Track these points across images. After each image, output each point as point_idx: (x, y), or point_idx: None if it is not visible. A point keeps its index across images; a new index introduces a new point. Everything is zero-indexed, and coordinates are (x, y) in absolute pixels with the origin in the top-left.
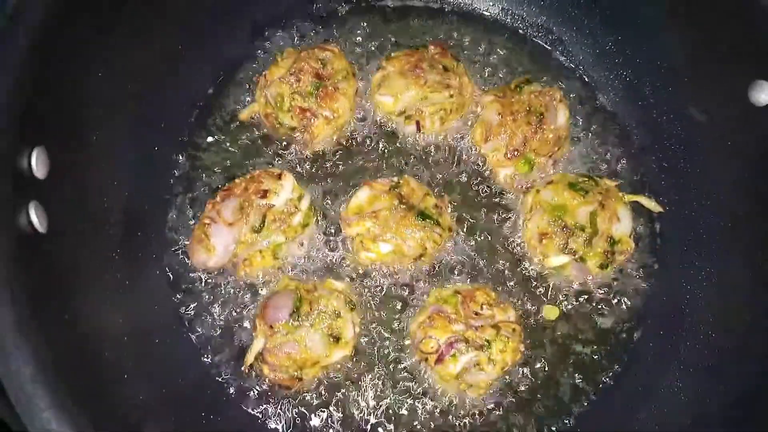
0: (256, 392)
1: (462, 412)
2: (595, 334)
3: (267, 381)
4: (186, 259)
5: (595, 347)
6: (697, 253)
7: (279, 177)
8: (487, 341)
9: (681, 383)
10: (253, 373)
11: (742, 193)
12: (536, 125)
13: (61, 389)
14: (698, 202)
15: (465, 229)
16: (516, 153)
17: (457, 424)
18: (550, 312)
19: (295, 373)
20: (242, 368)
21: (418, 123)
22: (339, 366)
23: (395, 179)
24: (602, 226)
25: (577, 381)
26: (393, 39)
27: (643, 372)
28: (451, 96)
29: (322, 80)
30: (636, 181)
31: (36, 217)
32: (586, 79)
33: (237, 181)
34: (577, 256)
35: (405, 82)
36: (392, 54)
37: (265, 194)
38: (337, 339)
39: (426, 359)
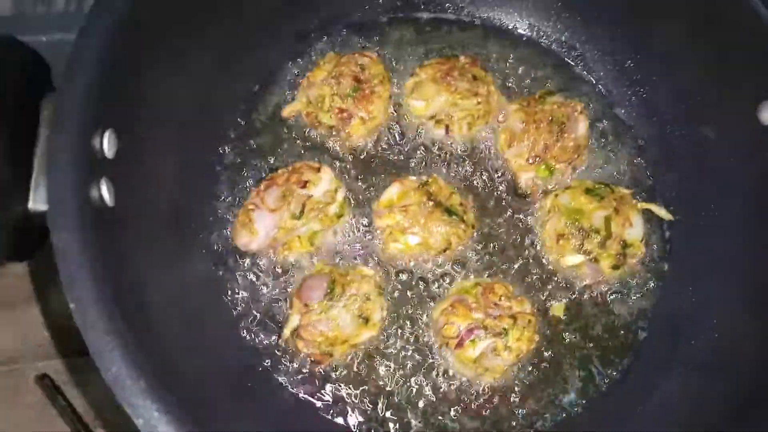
0: (292, 367)
1: (473, 395)
2: (604, 331)
3: (301, 355)
4: (229, 241)
5: (603, 344)
6: (706, 261)
7: (318, 170)
8: (505, 329)
9: (684, 382)
10: (289, 348)
11: (749, 208)
12: (557, 134)
13: (131, 342)
14: (707, 214)
15: (486, 227)
16: (537, 159)
17: (467, 403)
18: (557, 309)
19: (327, 349)
20: (279, 341)
21: (447, 127)
22: (366, 346)
23: (424, 178)
24: (616, 229)
25: (583, 374)
26: (426, 48)
27: (647, 370)
28: (479, 103)
29: (360, 84)
30: (648, 191)
31: (106, 192)
32: (605, 94)
33: (280, 172)
34: (591, 257)
35: (436, 88)
36: (425, 62)
37: (305, 185)
38: (366, 320)
39: (447, 343)
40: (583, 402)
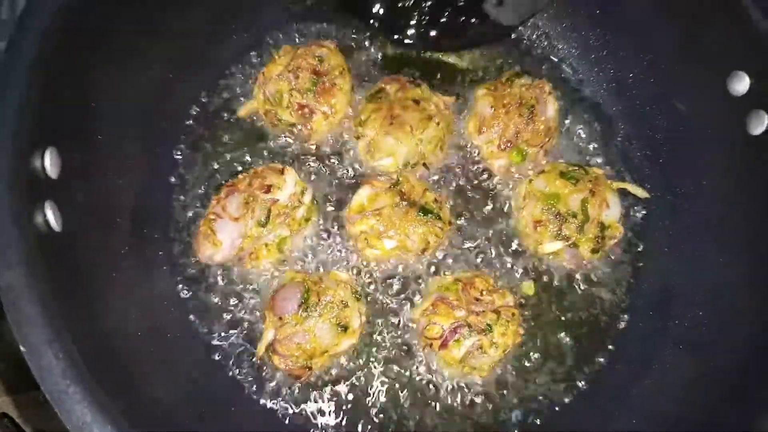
0: (269, 385)
1: (461, 394)
2: (588, 316)
3: (278, 371)
4: (192, 255)
5: (587, 329)
6: (682, 236)
7: (282, 172)
8: (489, 325)
9: (673, 360)
10: (264, 366)
11: (721, 179)
12: (527, 117)
13: (92, 384)
14: (681, 189)
15: (461, 219)
16: (509, 144)
17: (456, 403)
18: (527, 288)
19: (305, 363)
20: (253, 359)
21: (425, 164)
22: (346, 354)
23: (395, 177)
24: (593, 212)
25: (570, 363)
26: None
27: (635, 351)
28: (438, 123)
29: (319, 76)
30: (622, 169)
31: (52, 217)
32: (571, 72)
33: (240, 176)
34: (570, 242)
35: (394, 140)
36: (362, 117)
37: (269, 189)
38: (345, 328)
39: (431, 345)
40: (573, 392)
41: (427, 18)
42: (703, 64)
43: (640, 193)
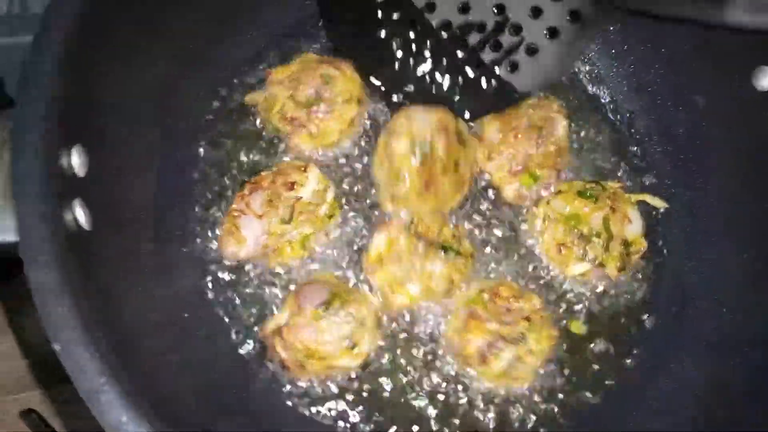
0: (297, 385)
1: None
2: (611, 324)
3: (274, 357)
4: (216, 252)
5: (611, 337)
6: (702, 234)
7: (304, 170)
8: (522, 333)
9: (698, 363)
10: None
11: (744, 178)
12: (537, 140)
13: (126, 383)
14: (702, 185)
15: (483, 249)
16: (520, 169)
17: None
18: (576, 328)
19: (301, 360)
20: (258, 332)
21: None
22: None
23: (407, 217)
24: (615, 229)
25: (596, 368)
26: None
27: (657, 351)
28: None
29: (320, 97)
30: (641, 167)
31: (81, 215)
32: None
33: (264, 174)
34: (596, 263)
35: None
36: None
37: (292, 186)
38: (352, 346)
39: (468, 362)
40: (601, 394)
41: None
42: (727, 59)
43: (658, 203)
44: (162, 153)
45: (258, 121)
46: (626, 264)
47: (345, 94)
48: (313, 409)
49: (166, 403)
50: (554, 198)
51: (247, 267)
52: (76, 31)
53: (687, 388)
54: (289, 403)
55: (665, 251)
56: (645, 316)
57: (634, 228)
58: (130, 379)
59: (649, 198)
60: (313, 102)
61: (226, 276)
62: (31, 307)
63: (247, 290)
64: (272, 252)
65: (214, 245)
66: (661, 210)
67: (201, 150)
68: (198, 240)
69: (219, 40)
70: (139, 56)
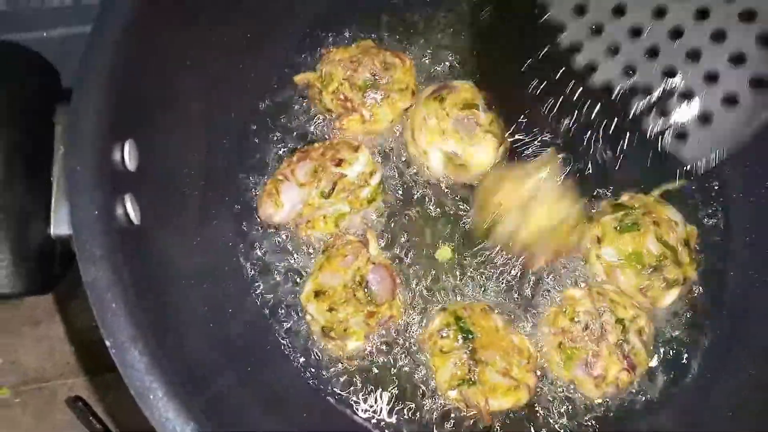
0: (333, 376)
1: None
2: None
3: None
4: (254, 213)
5: (670, 346)
6: (763, 240)
7: (356, 149)
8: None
9: (758, 372)
10: (330, 358)
11: None
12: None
13: (174, 381)
14: (762, 190)
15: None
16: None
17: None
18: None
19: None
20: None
21: None
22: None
23: (457, 306)
24: (670, 237)
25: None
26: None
27: (716, 366)
28: None
29: (376, 82)
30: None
31: (132, 210)
32: None
33: (316, 145)
34: (681, 280)
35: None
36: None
37: (340, 163)
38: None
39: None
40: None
41: None
42: None
43: (681, 182)
44: (209, 146)
45: (304, 103)
46: (698, 260)
47: (401, 83)
48: (359, 406)
49: (214, 400)
50: (605, 247)
51: (278, 232)
52: (132, 25)
53: (745, 399)
54: (332, 396)
55: (725, 257)
56: (704, 327)
57: (680, 223)
58: (177, 377)
59: (669, 185)
60: (369, 86)
61: (258, 238)
62: (79, 295)
63: (279, 254)
64: (305, 223)
65: (252, 208)
66: (719, 216)
67: (251, 141)
68: (238, 201)
69: (269, 32)
70: (192, 49)
